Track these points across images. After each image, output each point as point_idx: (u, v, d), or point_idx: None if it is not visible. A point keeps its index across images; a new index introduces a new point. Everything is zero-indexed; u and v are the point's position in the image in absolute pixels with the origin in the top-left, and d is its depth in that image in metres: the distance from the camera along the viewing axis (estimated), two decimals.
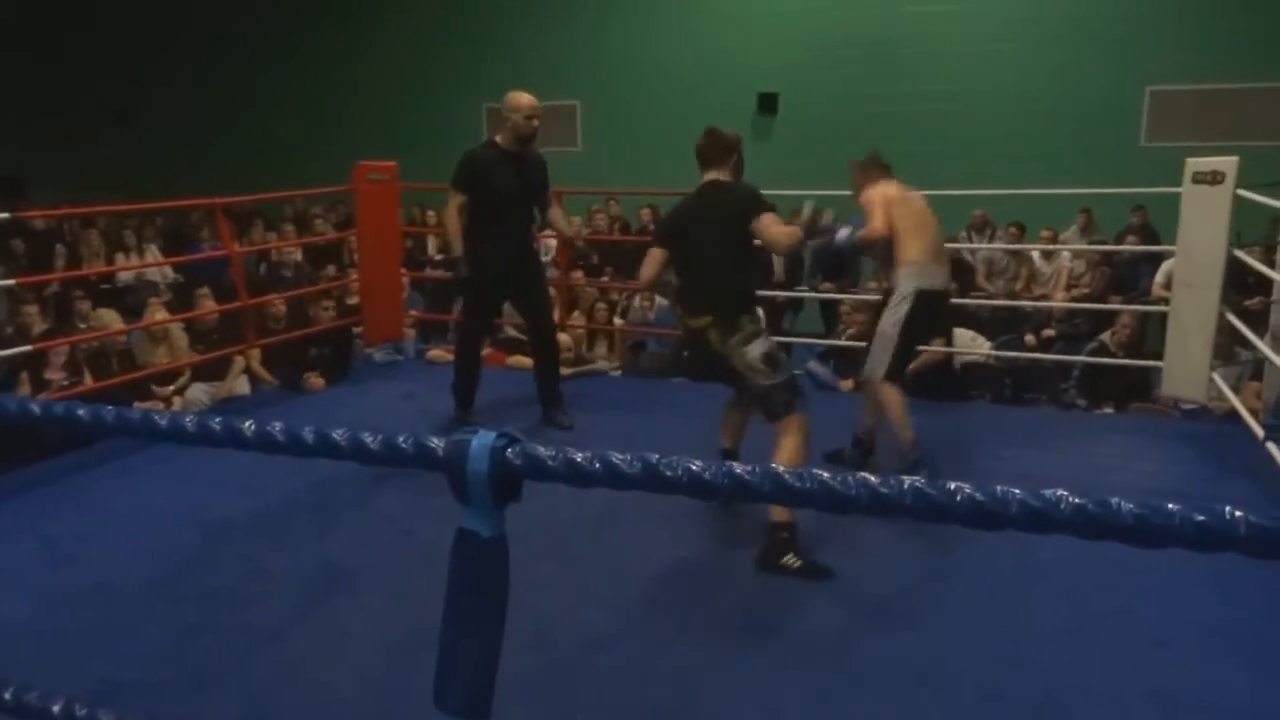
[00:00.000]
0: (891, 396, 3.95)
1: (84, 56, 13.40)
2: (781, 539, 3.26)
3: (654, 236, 3.82)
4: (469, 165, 4.63)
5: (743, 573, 3.26)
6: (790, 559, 3.23)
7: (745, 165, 3.64)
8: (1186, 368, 4.79)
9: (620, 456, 0.95)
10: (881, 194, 4.04)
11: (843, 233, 4.03)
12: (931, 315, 4.08)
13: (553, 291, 7.01)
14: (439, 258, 9.52)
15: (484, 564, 1.02)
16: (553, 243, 8.22)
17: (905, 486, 0.89)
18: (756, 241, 3.47)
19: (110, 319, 6.12)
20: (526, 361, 6.06)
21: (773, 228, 3.40)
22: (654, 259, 3.60)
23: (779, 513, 3.30)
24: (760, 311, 3.48)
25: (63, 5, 13.27)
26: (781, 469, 0.93)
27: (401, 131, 10.84)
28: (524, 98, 4.61)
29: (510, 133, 4.61)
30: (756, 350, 3.35)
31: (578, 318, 6.61)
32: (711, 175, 3.55)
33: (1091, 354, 5.92)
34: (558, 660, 2.69)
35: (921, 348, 5.04)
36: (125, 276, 9.62)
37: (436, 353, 6.55)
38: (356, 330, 6.45)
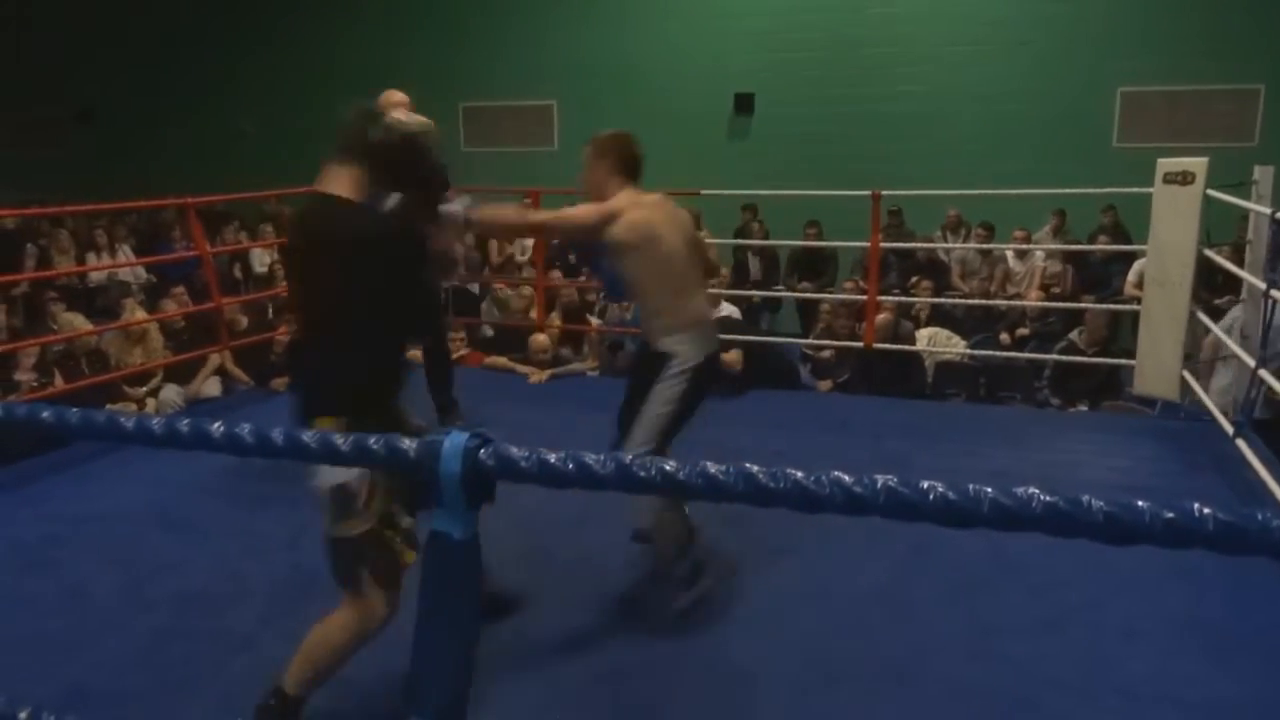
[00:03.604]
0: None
1: (46, 56, 13.22)
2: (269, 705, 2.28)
3: None
4: None
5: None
6: None
7: (443, 179, 2.64)
8: (1158, 365, 4.85)
9: (593, 457, 0.95)
10: (616, 206, 2.87)
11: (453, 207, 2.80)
12: (706, 386, 3.01)
13: (529, 291, 7.00)
14: None
15: (457, 566, 1.02)
16: (529, 241, 8.17)
17: (879, 485, 0.90)
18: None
19: (76, 322, 6.06)
20: (502, 360, 6.05)
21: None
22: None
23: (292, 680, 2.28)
24: (370, 410, 2.20)
25: (24, 4, 13.09)
26: (758, 470, 0.93)
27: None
28: (394, 95, 4.46)
29: None
30: (327, 476, 2.15)
31: (554, 318, 6.59)
32: (329, 178, 2.25)
33: (1061, 353, 5.98)
34: (533, 662, 2.69)
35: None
36: (97, 276, 9.51)
37: (413, 354, 6.51)
38: None
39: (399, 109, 4.41)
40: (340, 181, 2.21)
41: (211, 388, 5.92)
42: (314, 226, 2.24)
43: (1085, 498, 0.86)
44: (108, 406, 5.35)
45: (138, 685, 2.59)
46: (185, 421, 1.06)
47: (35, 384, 5.29)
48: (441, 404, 4.85)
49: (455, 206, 2.82)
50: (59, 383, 5.33)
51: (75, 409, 1.08)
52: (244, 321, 6.29)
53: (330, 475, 2.14)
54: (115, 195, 8.12)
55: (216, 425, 1.03)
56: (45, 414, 1.09)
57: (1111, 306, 6.88)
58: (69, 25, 13.07)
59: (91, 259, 9.62)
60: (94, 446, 4.39)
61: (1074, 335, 6.00)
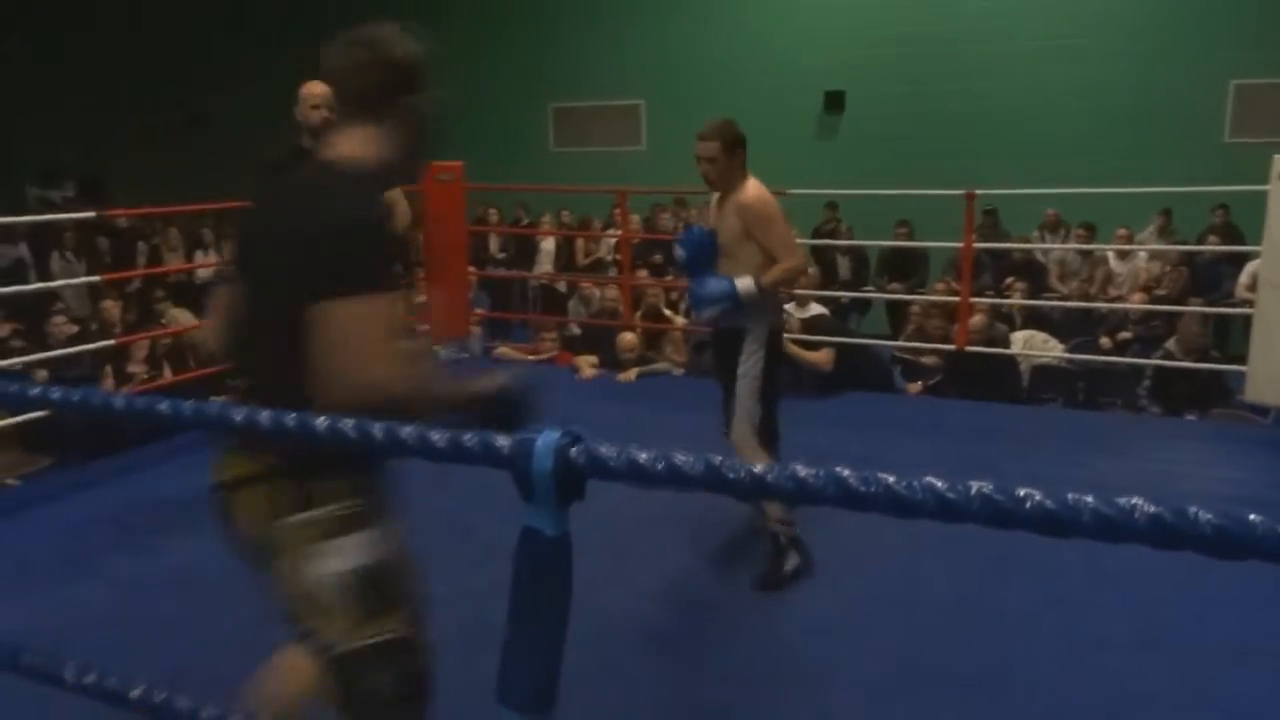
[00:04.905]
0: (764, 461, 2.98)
1: (160, 61, 13.84)
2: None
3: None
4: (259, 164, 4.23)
5: (801, 574, 3.24)
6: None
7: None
8: (1273, 371, 4.62)
9: (683, 457, 0.95)
10: (773, 201, 3.14)
11: (744, 282, 3.03)
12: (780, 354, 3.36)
13: (616, 291, 7.04)
14: (500, 256, 9.63)
15: (548, 562, 1.03)
16: (612, 240, 8.22)
17: (973, 491, 0.88)
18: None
19: (184, 318, 6.34)
20: (592, 359, 6.10)
21: (351, 333, 1.43)
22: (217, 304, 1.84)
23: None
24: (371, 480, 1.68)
25: (135, 10, 13.76)
26: (849, 473, 0.92)
27: (466, 131, 10.97)
28: (311, 86, 4.10)
29: (302, 126, 4.17)
30: (333, 563, 1.55)
31: (640, 317, 6.62)
32: (337, 138, 1.68)
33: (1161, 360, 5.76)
34: (616, 659, 2.71)
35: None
36: (204, 273, 9.93)
37: (504, 350, 6.63)
38: (422, 328, 6.56)
39: (306, 102, 4.11)
40: (351, 142, 1.63)
41: None
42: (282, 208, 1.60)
43: (1192, 509, 0.83)
44: (211, 398, 5.59)
45: (237, 668, 2.69)
46: (291, 415, 1.11)
47: (146, 376, 5.55)
48: None
49: (748, 282, 3.02)
50: (167, 375, 5.58)
51: (189, 401, 1.14)
52: None
53: (341, 559, 1.54)
54: (224, 196, 8.46)
55: (321, 419, 1.07)
56: (162, 405, 1.15)
57: (1220, 310, 6.60)
58: (180, 33, 13.68)
59: (199, 256, 10.05)
60: (202, 437, 4.57)
61: (1170, 343, 5.75)
